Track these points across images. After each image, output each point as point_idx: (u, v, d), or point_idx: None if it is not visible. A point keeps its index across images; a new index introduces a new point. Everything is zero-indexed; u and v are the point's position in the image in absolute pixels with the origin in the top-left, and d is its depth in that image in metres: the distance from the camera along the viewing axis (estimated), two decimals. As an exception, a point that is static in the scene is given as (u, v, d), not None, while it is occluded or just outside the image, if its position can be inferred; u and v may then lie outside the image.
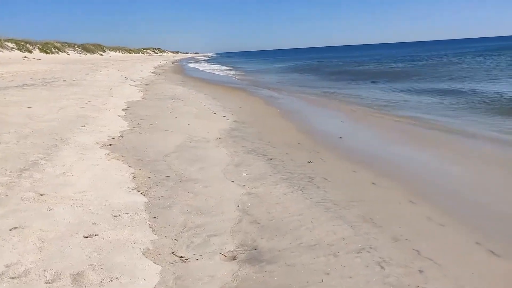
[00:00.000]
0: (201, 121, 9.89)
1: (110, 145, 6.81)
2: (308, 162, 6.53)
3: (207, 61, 76.42)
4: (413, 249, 3.59)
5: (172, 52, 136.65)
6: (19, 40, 39.68)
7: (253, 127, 9.53)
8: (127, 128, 8.34)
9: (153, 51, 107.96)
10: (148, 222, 3.88)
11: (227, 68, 48.76)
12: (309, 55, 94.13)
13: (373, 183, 5.73)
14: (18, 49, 37.46)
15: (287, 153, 7.13)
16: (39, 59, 35.25)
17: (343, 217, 4.30)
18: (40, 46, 42.13)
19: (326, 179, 5.70)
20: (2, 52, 34.37)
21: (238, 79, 29.55)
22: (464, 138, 8.86)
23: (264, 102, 15.10)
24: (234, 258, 3.33)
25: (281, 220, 4.13)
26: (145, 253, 3.30)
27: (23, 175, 4.75)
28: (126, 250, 3.30)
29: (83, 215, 3.84)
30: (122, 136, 7.59)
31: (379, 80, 24.20)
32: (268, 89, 20.14)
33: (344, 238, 3.76)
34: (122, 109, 10.75)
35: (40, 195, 4.24)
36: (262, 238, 3.70)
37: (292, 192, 5.02)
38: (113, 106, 11.21)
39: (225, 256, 3.35)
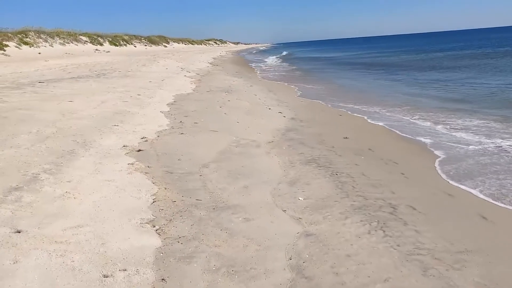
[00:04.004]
0: (253, 118, 8.50)
1: (139, 150, 5.61)
2: (385, 175, 4.93)
3: (266, 52, 74.97)
4: None
5: (233, 43, 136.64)
6: (92, 34, 40.92)
7: (313, 126, 7.99)
8: (166, 128, 7.14)
9: (214, 42, 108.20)
10: (150, 290, 2.56)
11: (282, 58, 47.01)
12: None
13: (483, 217, 4.05)
14: (90, 42, 38.64)
15: (356, 164, 5.56)
16: (108, 51, 36.06)
17: (455, 287, 2.71)
18: (110, 39, 43.23)
19: (414, 209, 4.10)
20: (77, 45, 35.44)
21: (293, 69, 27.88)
22: None
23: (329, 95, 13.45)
24: None
25: (356, 292, 2.63)
26: None
27: (9, 197, 3.62)
28: None
29: (57, 276, 2.59)
30: (157, 137, 6.40)
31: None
32: (333, 81, 18.34)
33: None
34: (167, 104, 9.64)
35: (16, 232, 3.07)
36: (325, 336, 2.24)
37: (369, 232, 3.48)
38: (159, 99, 10.15)
39: None
